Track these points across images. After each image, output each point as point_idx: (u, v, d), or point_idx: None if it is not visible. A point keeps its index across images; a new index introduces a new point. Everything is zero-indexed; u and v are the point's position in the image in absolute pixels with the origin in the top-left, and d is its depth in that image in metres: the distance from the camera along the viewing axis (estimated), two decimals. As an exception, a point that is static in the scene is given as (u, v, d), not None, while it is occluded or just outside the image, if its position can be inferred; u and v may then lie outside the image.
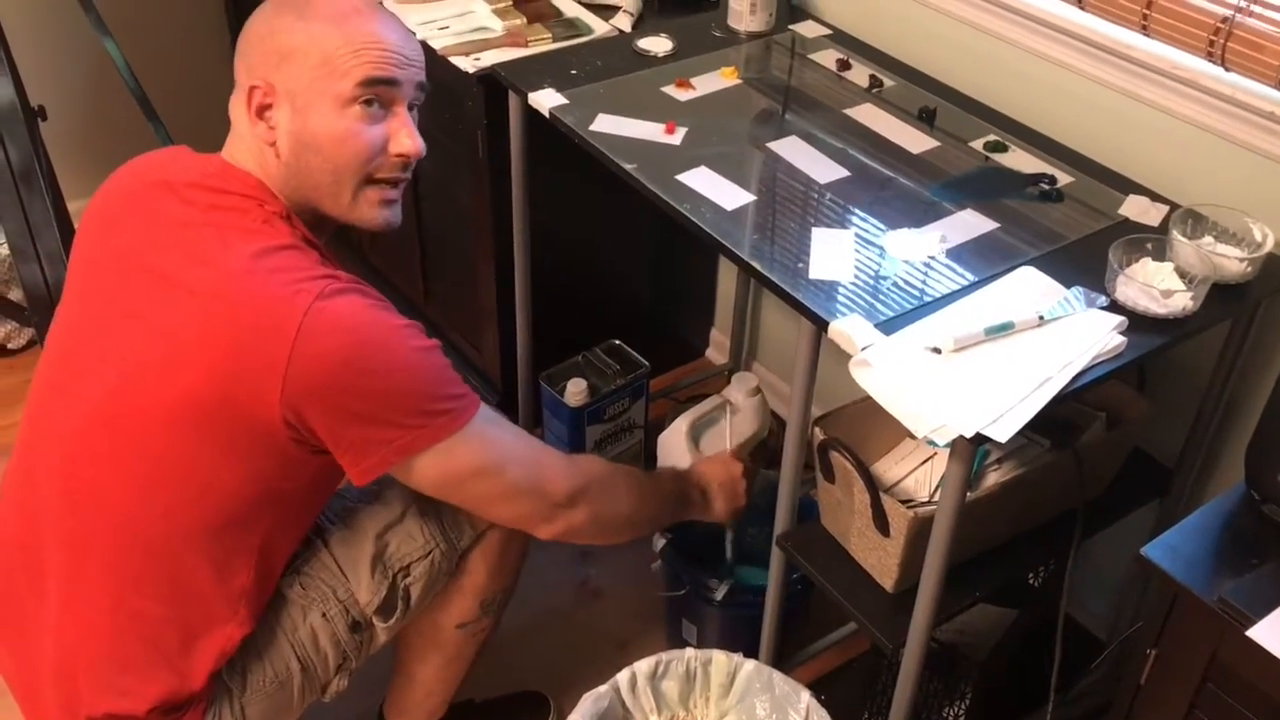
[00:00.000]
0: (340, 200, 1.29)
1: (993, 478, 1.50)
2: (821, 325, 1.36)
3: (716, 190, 1.58)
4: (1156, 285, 1.35)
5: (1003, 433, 1.19)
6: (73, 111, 2.75)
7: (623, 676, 1.50)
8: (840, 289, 1.41)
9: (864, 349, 1.29)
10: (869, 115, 1.77)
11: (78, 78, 2.73)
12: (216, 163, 1.29)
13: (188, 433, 1.19)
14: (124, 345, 1.22)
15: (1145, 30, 1.53)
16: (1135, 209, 1.56)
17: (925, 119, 1.75)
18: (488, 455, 1.29)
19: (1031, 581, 1.82)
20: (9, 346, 2.56)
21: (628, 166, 1.62)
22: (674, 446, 2.06)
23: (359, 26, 1.25)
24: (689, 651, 1.53)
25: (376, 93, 1.25)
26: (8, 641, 1.35)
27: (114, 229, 1.30)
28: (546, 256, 2.10)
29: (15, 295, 2.45)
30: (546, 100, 1.77)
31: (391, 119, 1.28)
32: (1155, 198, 1.58)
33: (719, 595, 1.78)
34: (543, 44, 1.95)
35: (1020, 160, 1.67)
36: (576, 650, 1.95)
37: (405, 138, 1.28)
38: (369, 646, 1.45)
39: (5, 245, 2.26)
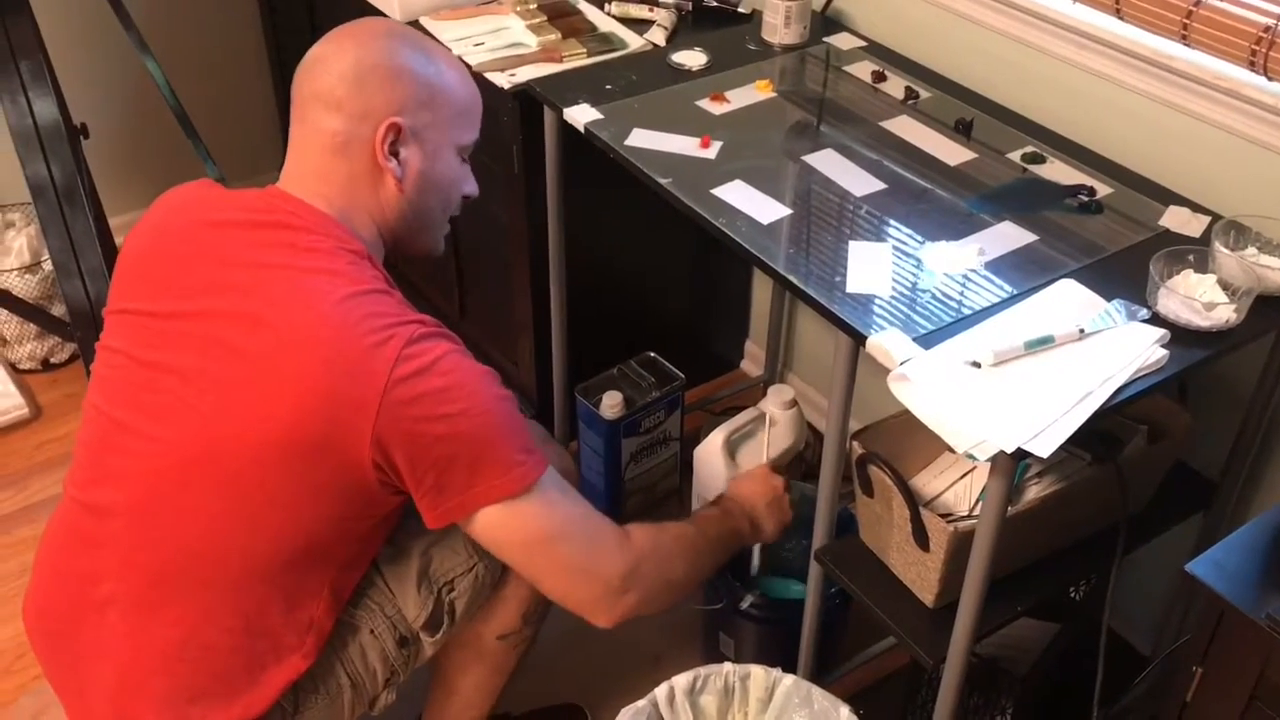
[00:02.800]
0: (433, 234, 1.41)
1: (1033, 492, 1.49)
2: (860, 340, 1.35)
3: (752, 204, 1.58)
4: (1199, 298, 1.34)
5: (1044, 448, 1.18)
6: (114, 129, 2.78)
7: (661, 691, 1.50)
8: (878, 303, 1.40)
9: (903, 363, 1.29)
10: (905, 127, 1.76)
11: (119, 96, 2.77)
12: (282, 198, 1.30)
13: (274, 471, 1.21)
14: (207, 385, 1.22)
15: (1185, 40, 1.52)
16: (1176, 220, 1.55)
17: (962, 131, 1.75)
18: (552, 519, 1.29)
19: (1073, 595, 1.80)
20: (52, 361, 2.59)
21: (663, 181, 1.62)
22: (711, 459, 2.06)
23: (473, 83, 1.38)
24: (727, 666, 1.52)
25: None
26: (63, 665, 1.36)
27: (176, 272, 1.29)
28: (581, 270, 2.10)
29: (58, 310, 2.49)
30: (581, 115, 1.77)
31: (464, 165, 1.41)
32: (1196, 209, 1.57)
33: (744, 605, 1.77)
34: (577, 59, 1.96)
35: (1059, 172, 1.65)
36: (611, 663, 1.95)
37: (474, 183, 1.43)
38: (415, 660, 1.47)
39: (49, 262, 2.29)
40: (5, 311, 2.44)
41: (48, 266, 2.47)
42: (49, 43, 2.07)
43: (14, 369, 2.56)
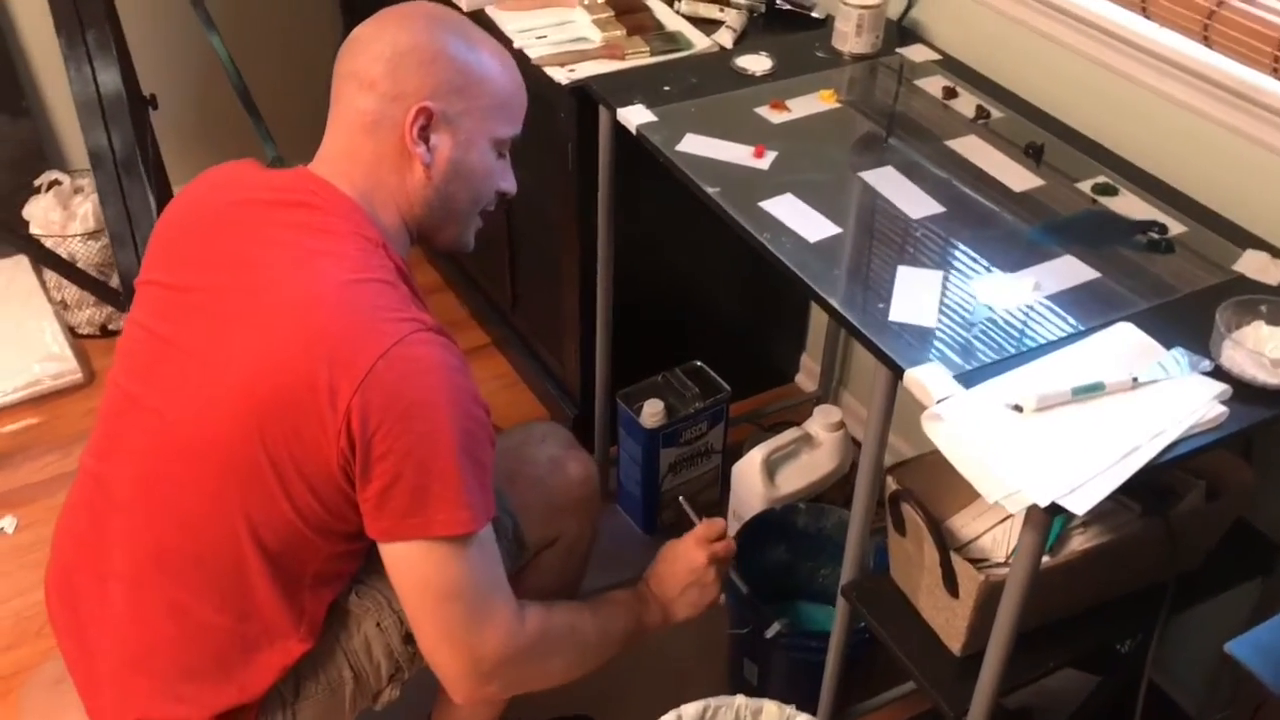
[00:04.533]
0: (461, 228, 1.36)
1: (1077, 542, 1.41)
2: (898, 372, 1.29)
3: (801, 220, 1.52)
4: (1267, 353, 1.25)
5: (1080, 505, 1.11)
6: (184, 101, 2.80)
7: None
8: (922, 334, 1.33)
9: (939, 401, 1.22)
10: (972, 148, 1.68)
11: (191, 69, 2.78)
12: (308, 179, 1.27)
13: (255, 452, 1.18)
14: (207, 364, 1.21)
15: (1277, 73, 1.42)
16: (1253, 265, 1.45)
17: (1032, 155, 1.66)
18: (462, 577, 1.21)
19: (1118, 647, 1.71)
20: (110, 328, 2.62)
21: (710, 190, 1.57)
22: (748, 477, 2.00)
23: (517, 76, 1.33)
24: (739, 699, 1.47)
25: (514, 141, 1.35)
26: (70, 633, 1.36)
27: (199, 247, 1.29)
28: (632, 272, 2.05)
29: (115, 281, 2.50)
30: (635, 117, 1.72)
31: (501, 160, 1.36)
32: (1276, 254, 1.47)
33: (769, 634, 1.71)
34: (640, 57, 1.91)
35: (1130, 205, 1.56)
36: (631, 676, 1.90)
37: (511, 180, 1.38)
38: (421, 658, 1.43)
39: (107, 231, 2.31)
40: (66, 276, 2.47)
41: (106, 237, 2.50)
42: (123, 13, 2.08)
43: (73, 333, 2.59)
